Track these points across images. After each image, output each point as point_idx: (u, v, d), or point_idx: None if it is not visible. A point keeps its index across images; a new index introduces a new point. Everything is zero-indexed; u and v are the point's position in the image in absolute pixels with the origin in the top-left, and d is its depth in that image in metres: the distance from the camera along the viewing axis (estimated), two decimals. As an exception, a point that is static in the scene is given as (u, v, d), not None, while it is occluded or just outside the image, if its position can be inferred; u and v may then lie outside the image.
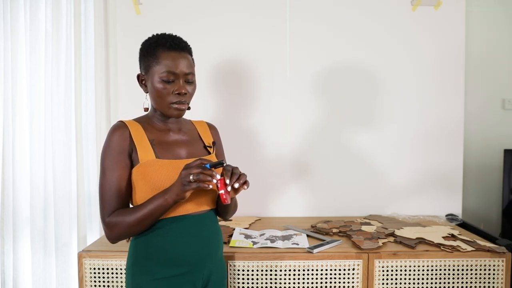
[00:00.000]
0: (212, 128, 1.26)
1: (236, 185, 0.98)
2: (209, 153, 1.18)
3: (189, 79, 1.07)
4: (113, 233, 1.01)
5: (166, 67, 1.03)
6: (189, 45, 1.11)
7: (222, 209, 1.16)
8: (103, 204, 1.02)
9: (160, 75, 1.03)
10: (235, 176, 0.99)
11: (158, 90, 1.04)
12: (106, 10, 1.92)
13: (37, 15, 1.80)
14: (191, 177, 0.93)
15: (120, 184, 1.03)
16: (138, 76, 1.11)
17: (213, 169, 0.96)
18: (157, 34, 1.10)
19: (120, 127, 1.05)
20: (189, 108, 1.12)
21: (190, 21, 1.92)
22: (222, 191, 0.97)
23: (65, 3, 1.82)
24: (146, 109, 1.14)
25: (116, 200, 1.02)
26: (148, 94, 1.10)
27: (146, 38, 1.10)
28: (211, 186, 0.96)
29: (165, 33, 1.09)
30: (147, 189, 1.02)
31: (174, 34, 1.10)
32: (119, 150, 1.03)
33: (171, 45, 1.05)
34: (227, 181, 0.98)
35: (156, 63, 1.04)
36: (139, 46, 1.11)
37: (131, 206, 1.08)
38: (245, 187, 1.00)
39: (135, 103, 1.92)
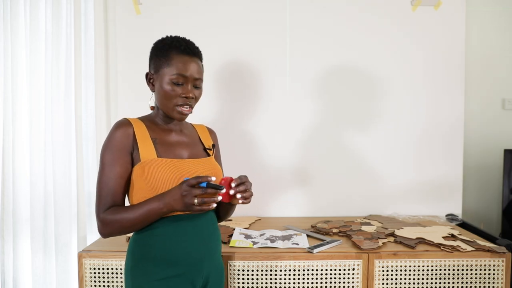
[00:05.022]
0: (212, 132, 1.28)
1: (237, 194, 1.00)
2: (209, 155, 1.18)
3: (197, 84, 1.08)
4: (106, 230, 1.01)
5: (177, 69, 1.04)
6: (200, 51, 1.12)
7: (221, 210, 1.19)
8: (99, 199, 1.02)
9: (170, 77, 1.04)
10: (242, 186, 1.02)
11: (166, 91, 1.05)
12: (106, 10, 1.91)
13: (37, 15, 1.80)
14: (195, 201, 0.94)
15: (117, 181, 1.03)
16: (147, 75, 1.12)
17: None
18: (171, 36, 1.10)
19: (124, 124, 1.05)
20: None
21: (190, 21, 1.92)
22: (223, 191, 0.98)
23: (65, 3, 1.82)
24: (152, 108, 1.14)
25: (112, 197, 1.02)
26: (154, 93, 1.10)
27: (149, 38, 1.11)
28: (215, 205, 0.97)
29: (178, 36, 1.11)
30: (147, 188, 1.02)
31: (187, 38, 1.11)
32: (121, 147, 1.03)
33: (184, 49, 1.06)
34: (233, 184, 1.00)
35: (167, 65, 1.05)
36: (139, 46, 1.11)
37: (128, 203, 1.09)
38: (240, 201, 1.02)
39: (135, 103, 1.93)
